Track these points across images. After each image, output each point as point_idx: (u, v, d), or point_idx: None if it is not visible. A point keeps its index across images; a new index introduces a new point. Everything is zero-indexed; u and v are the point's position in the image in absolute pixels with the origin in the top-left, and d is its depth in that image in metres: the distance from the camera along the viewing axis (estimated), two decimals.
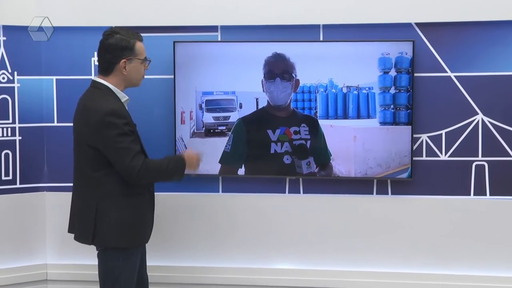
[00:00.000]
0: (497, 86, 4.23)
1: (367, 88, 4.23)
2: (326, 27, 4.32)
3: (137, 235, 3.48)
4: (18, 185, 4.51)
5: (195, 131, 4.40)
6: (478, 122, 4.26)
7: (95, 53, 3.55)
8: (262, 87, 4.29)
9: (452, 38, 4.23)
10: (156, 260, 4.29)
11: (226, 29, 4.40)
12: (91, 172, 3.40)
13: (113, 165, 3.35)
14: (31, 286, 4.55)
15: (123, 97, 3.47)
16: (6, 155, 4.47)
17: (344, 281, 4.42)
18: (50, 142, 4.55)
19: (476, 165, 4.30)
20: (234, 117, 4.36)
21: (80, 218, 3.48)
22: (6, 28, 4.43)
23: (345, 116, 4.28)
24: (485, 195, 4.30)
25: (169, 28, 4.41)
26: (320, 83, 4.27)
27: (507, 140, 4.26)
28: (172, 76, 4.37)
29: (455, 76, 4.25)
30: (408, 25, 4.25)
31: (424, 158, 4.32)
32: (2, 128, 4.46)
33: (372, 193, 4.39)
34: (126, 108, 3.49)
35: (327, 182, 4.40)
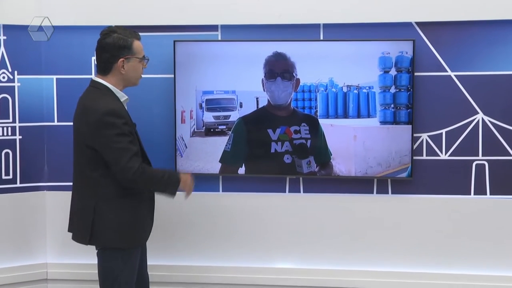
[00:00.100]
0: (497, 85, 4.23)
1: (367, 87, 4.23)
2: (327, 26, 4.32)
3: (136, 235, 3.47)
4: (18, 184, 4.51)
5: (195, 130, 4.40)
6: (478, 121, 4.26)
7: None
8: (263, 86, 4.29)
9: (452, 38, 4.24)
10: (157, 259, 4.28)
11: (226, 28, 4.40)
12: (90, 173, 3.39)
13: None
14: (31, 286, 4.55)
15: (122, 96, 3.46)
16: (7, 154, 4.47)
17: (344, 280, 4.42)
18: (50, 141, 4.55)
19: (476, 165, 4.30)
20: (234, 116, 4.36)
21: (78, 218, 3.48)
22: (6, 28, 4.43)
23: (346, 115, 4.28)
24: (485, 194, 4.31)
25: (169, 27, 4.41)
26: (320, 82, 4.27)
27: (507, 139, 4.26)
28: (172, 75, 4.37)
29: (456, 76, 4.25)
30: (409, 24, 4.25)
31: (424, 157, 4.32)
32: (3, 127, 4.46)
33: (372, 193, 4.39)
34: (126, 107, 3.49)
35: (327, 181, 4.40)
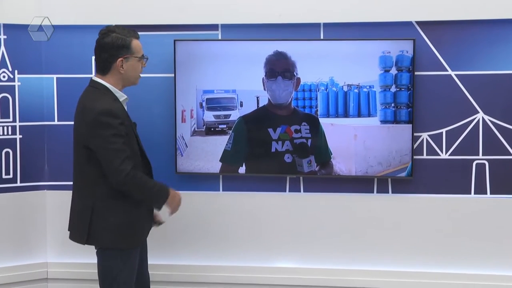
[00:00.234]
0: (497, 84, 4.23)
1: (368, 87, 4.23)
2: (327, 25, 4.32)
3: (134, 236, 3.47)
4: (18, 184, 4.51)
5: (196, 129, 4.40)
6: (478, 120, 4.26)
7: None
8: (263, 85, 4.29)
9: (452, 37, 4.24)
10: (157, 259, 4.28)
11: (226, 27, 4.40)
12: (88, 172, 3.40)
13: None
14: (31, 285, 4.55)
15: (121, 96, 3.45)
16: (7, 153, 4.47)
17: (344, 280, 4.43)
18: (51, 140, 4.55)
19: (477, 164, 4.30)
20: (234, 115, 4.36)
21: (76, 218, 3.48)
22: (7, 27, 4.42)
23: (346, 114, 4.28)
24: (486, 193, 4.31)
25: (169, 27, 4.41)
26: (320, 81, 4.27)
27: (507, 138, 4.26)
28: (173, 75, 4.37)
29: (456, 75, 4.26)
30: (409, 23, 4.26)
31: (424, 156, 4.32)
32: (3, 126, 4.45)
33: (373, 192, 4.39)
34: (125, 107, 3.49)
35: (328, 180, 4.40)
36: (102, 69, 3.43)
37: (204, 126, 4.40)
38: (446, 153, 4.31)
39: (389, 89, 4.22)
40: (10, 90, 4.47)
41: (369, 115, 4.25)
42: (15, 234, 4.53)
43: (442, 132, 4.30)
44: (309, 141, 4.32)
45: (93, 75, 3.50)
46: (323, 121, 4.31)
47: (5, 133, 4.46)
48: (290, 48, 4.26)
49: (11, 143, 4.48)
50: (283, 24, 4.33)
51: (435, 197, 4.34)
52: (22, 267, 4.53)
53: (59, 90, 4.52)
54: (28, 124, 4.51)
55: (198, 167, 4.42)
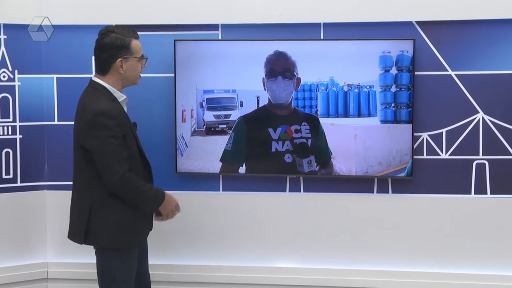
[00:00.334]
0: (497, 84, 4.23)
1: (368, 86, 4.23)
2: (327, 25, 4.32)
3: (132, 236, 3.46)
4: (18, 184, 4.51)
5: (196, 129, 4.40)
6: (478, 120, 4.26)
7: None
8: (263, 85, 4.29)
9: (452, 37, 4.24)
10: (157, 259, 4.28)
11: (226, 27, 4.40)
12: (86, 173, 3.40)
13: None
14: (31, 285, 4.55)
15: (120, 96, 3.44)
16: (7, 153, 4.47)
17: (345, 280, 4.43)
18: (51, 140, 4.55)
19: (477, 164, 4.30)
20: (235, 115, 4.36)
21: (75, 218, 3.49)
22: (7, 27, 4.42)
23: (346, 114, 4.28)
24: (486, 193, 4.31)
25: (169, 27, 4.41)
26: (321, 81, 4.27)
27: (507, 138, 4.26)
28: (173, 75, 4.37)
29: (456, 75, 4.26)
30: (409, 23, 4.26)
31: (424, 156, 4.32)
32: (3, 126, 4.45)
33: (373, 192, 4.39)
34: (125, 107, 3.48)
35: (328, 180, 4.40)
36: (102, 69, 3.43)
37: (204, 126, 4.40)
38: (446, 153, 4.31)
39: (389, 89, 4.22)
40: (10, 90, 4.46)
41: (369, 115, 4.25)
42: (15, 234, 4.52)
43: (442, 132, 4.30)
44: (309, 141, 4.32)
45: (92, 75, 3.50)
46: (323, 121, 4.31)
47: (5, 133, 4.46)
48: (290, 48, 4.26)
49: (11, 143, 4.48)
50: (283, 24, 4.33)
51: (435, 197, 4.34)
52: (22, 267, 4.53)
53: (59, 90, 4.52)
54: (28, 124, 4.51)
55: (198, 167, 4.42)
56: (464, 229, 4.34)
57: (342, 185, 4.40)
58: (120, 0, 4.42)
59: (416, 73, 4.21)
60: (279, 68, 4.27)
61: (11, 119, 4.47)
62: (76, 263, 4.51)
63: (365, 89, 4.24)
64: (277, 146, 4.33)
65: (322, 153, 4.32)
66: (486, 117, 4.26)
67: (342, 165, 4.32)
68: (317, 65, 4.26)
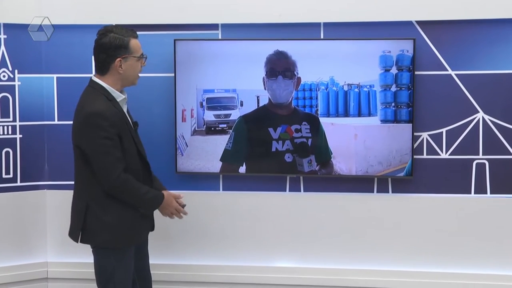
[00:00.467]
0: (497, 84, 4.23)
1: (368, 86, 4.23)
2: (327, 25, 4.32)
3: (128, 235, 3.46)
4: (18, 183, 4.51)
5: (196, 129, 4.40)
6: (478, 120, 4.26)
7: None
8: (264, 85, 4.29)
9: (452, 36, 4.24)
10: (157, 258, 4.28)
11: (226, 27, 4.40)
12: (83, 172, 3.42)
13: None
14: (31, 284, 4.55)
15: (119, 96, 3.44)
16: (7, 153, 4.47)
17: (345, 279, 4.42)
18: (51, 140, 4.55)
19: (477, 163, 4.30)
20: (235, 115, 4.36)
21: (73, 216, 3.50)
22: (7, 26, 4.42)
23: (346, 114, 4.28)
24: (486, 193, 4.31)
25: (169, 26, 4.41)
26: (321, 81, 4.27)
27: (507, 138, 4.26)
28: (173, 74, 4.37)
29: (456, 74, 4.26)
30: (409, 23, 4.26)
31: (424, 156, 4.32)
32: (3, 126, 4.45)
33: (373, 191, 4.39)
34: (124, 107, 3.48)
35: (328, 180, 4.40)
36: (101, 69, 3.43)
37: (205, 126, 4.40)
38: (446, 153, 4.31)
39: (390, 89, 4.23)
40: (10, 89, 4.46)
41: (369, 114, 4.25)
42: (15, 233, 4.52)
43: (442, 132, 4.30)
44: (310, 140, 4.32)
45: (92, 75, 3.51)
46: (323, 120, 4.31)
47: (5, 132, 4.46)
48: (291, 47, 4.26)
49: (11, 143, 4.47)
50: (283, 24, 4.33)
51: (435, 197, 4.34)
52: (22, 266, 4.53)
53: (59, 89, 4.52)
54: (28, 124, 4.51)
55: (199, 167, 4.42)
56: (464, 229, 4.34)
57: (342, 184, 4.40)
58: (120, 0, 4.42)
59: (416, 72, 4.21)
60: (280, 67, 4.27)
61: (11, 119, 4.47)
62: (76, 262, 4.51)
63: (365, 89, 4.24)
64: (277, 146, 4.33)
65: (322, 153, 4.32)
66: (486, 117, 4.26)
67: (342, 164, 4.32)
68: (317, 64, 4.26)
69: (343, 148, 4.31)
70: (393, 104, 4.23)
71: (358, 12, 4.27)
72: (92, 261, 3.53)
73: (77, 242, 3.48)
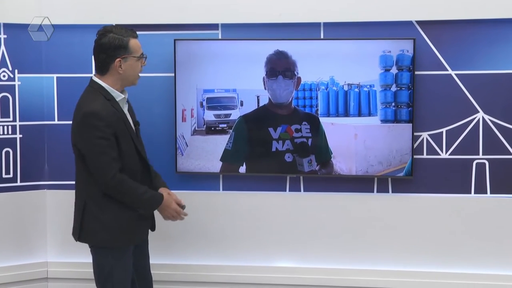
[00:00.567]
0: (497, 84, 4.23)
1: (368, 86, 4.23)
2: (327, 25, 4.32)
3: (126, 235, 3.46)
4: (18, 183, 4.51)
5: (196, 128, 4.40)
6: (478, 120, 4.26)
7: None
8: (264, 84, 4.29)
9: (452, 36, 4.24)
10: (157, 258, 4.27)
11: (226, 27, 4.40)
12: (81, 171, 3.43)
13: None
14: (31, 284, 4.55)
15: (118, 96, 3.44)
16: (7, 153, 4.47)
17: (345, 279, 4.43)
18: (51, 140, 4.55)
19: (477, 163, 4.30)
20: (235, 114, 4.36)
21: (74, 215, 3.51)
22: (7, 26, 4.42)
23: (346, 114, 4.28)
24: (486, 193, 4.31)
25: (169, 26, 4.41)
26: (321, 80, 4.27)
27: (507, 138, 4.26)
28: (173, 74, 4.37)
29: (456, 74, 4.26)
30: (409, 23, 4.26)
31: (424, 156, 4.32)
32: (3, 126, 4.45)
33: (373, 191, 4.39)
34: (124, 107, 3.48)
35: (328, 180, 4.40)
36: (101, 69, 3.43)
37: (205, 126, 4.40)
38: (446, 153, 4.31)
39: (390, 89, 4.23)
40: (10, 89, 4.46)
41: (369, 114, 4.25)
42: (15, 233, 4.52)
43: (442, 132, 4.31)
44: (310, 140, 4.32)
45: (93, 75, 3.51)
46: (323, 120, 4.31)
47: (5, 132, 4.46)
48: (291, 47, 4.26)
49: (11, 143, 4.47)
50: (283, 24, 4.33)
51: (435, 197, 4.34)
52: (22, 266, 4.52)
53: (59, 89, 4.52)
54: (28, 124, 4.51)
55: (199, 167, 4.42)
56: (464, 229, 4.34)
57: (342, 184, 4.40)
58: (120, 0, 4.42)
59: (416, 72, 4.21)
60: (280, 67, 4.27)
61: (11, 119, 4.47)
62: (76, 262, 4.51)
63: (365, 89, 4.24)
64: (277, 146, 4.33)
65: (323, 153, 4.33)
66: (486, 117, 4.26)
67: (342, 164, 4.32)
68: (317, 64, 4.26)
69: (343, 148, 4.31)
70: (393, 104, 4.23)
71: (358, 12, 4.27)
72: (92, 260, 3.53)
73: (76, 240, 3.50)
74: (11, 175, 4.48)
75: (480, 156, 4.29)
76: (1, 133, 4.45)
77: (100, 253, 3.46)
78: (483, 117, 4.26)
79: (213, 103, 4.37)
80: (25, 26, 4.40)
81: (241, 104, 4.35)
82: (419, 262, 4.39)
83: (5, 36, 4.43)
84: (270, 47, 4.28)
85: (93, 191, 3.38)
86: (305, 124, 4.32)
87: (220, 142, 4.39)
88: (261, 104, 4.33)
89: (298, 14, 4.32)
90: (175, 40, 4.35)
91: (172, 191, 3.69)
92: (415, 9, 4.24)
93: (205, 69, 4.35)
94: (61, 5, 4.45)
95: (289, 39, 4.29)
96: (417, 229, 4.37)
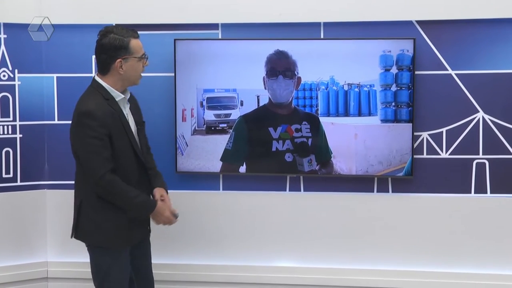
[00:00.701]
0: (497, 84, 4.23)
1: (368, 86, 4.23)
2: (327, 24, 4.32)
3: (119, 237, 3.45)
4: (18, 183, 4.51)
5: (196, 128, 4.40)
6: (478, 120, 4.26)
7: None
8: (264, 84, 4.29)
9: (453, 36, 4.24)
10: (157, 258, 4.24)
11: (226, 27, 4.40)
12: (78, 171, 3.45)
13: None
14: (31, 284, 4.55)
15: (118, 96, 3.43)
16: (7, 153, 4.47)
17: (345, 279, 4.43)
18: (51, 140, 4.55)
19: (477, 163, 4.30)
20: (235, 114, 4.36)
21: (74, 213, 3.51)
22: (7, 26, 4.42)
23: (346, 113, 4.28)
24: (486, 193, 4.31)
25: (169, 26, 4.41)
26: (321, 80, 4.27)
27: (507, 138, 4.26)
28: (173, 74, 4.37)
29: (456, 74, 4.26)
30: (409, 22, 4.26)
31: (424, 156, 4.32)
32: (3, 126, 4.45)
33: (373, 191, 4.39)
34: (125, 106, 3.47)
35: (328, 180, 4.40)
36: (102, 69, 3.43)
37: (205, 125, 4.40)
38: (446, 153, 4.31)
39: (390, 88, 4.23)
40: (10, 89, 4.46)
41: (369, 114, 4.25)
42: (15, 233, 4.52)
43: (442, 132, 4.31)
44: (310, 140, 4.32)
45: (93, 74, 3.51)
46: (323, 120, 4.31)
47: (5, 132, 4.46)
48: (291, 47, 4.26)
49: (11, 142, 4.47)
50: (283, 24, 4.33)
51: (435, 197, 4.34)
52: (22, 266, 4.53)
53: (59, 89, 4.52)
54: (28, 123, 4.51)
55: (199, 167, 4.42)
56: (464, 229, 4.34)
57: (342, 184, 4.40)
58: (120, 0, 4.42)
59: (416, 72, 4.21)
60: (280, 67, 4.27)
61: (11, 118, 4.47)
62: (76, 262, 4.50)
63: (365, 88, 4.24)
64: (277, 145, 4.33)
65: (323, 152, 4.33)
66: (486, 117, 4.26)
67: (342, 164, 4.32)
68: (317, 64, 4.26)
69: (343, 148, 4.31)
70: (393, 104, 4.23)
71: (358, 12, 4.27)
72: None
73: (71, 237, 3.51)
74: (11, 175, 4.48)
75: (480, 156, 4.29)
76: (1, 133, 4.45)
77: (97, 252, 3.47)
78: (483, 117, 4.26)
79: (213, 103, 4.37)
80: (25, 26, 4.40)
81: (241, 104, 4.35)
82: (419, 262, 4.39)
83: (5, 36, 4.43)
84: (270, 47, 4.28)
85: (88, 191, 3.38)
86: (305, 124, 4.32)
87: (220, 142, 4.39)
88: (261, 104, 4.33)
89: (298, 14, 4.32)
90: (175, 40, 4.35)
91: (171, 191, 3.68)
92: (415, 9, 4.24)
93: (205, 69, 4.35)
94: (61, 5, 4.45)
95: (289, 39, 4.29)
96: (417, 229, 4.37)
